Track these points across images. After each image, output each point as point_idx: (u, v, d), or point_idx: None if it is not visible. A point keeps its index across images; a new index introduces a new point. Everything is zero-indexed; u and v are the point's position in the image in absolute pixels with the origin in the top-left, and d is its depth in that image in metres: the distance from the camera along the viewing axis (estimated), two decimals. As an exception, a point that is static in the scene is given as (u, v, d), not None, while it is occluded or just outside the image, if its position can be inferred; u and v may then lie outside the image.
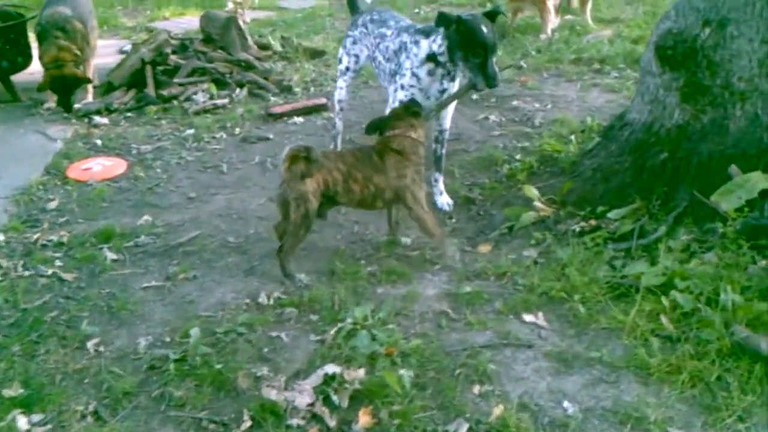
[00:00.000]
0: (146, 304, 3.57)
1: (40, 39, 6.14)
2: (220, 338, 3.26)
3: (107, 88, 6.78)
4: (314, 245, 4.03)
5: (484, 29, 3.86)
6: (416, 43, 4.21)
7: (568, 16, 8.96)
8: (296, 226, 3.57)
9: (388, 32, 4.54)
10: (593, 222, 4.07)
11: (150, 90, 6.49)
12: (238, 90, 6.57)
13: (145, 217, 4.39)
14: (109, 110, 6.27)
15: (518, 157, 5.16)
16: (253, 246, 4.07)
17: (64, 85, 5.99)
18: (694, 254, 3.62)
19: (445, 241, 3.95)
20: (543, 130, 5.61)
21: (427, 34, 4.16)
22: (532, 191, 4.32)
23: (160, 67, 6.72)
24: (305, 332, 3.31)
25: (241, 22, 7.26)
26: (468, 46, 3.89)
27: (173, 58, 6.73)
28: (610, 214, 4.05)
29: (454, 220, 4.42)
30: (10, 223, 4.36)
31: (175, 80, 6.51)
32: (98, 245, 4.08)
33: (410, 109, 3.91)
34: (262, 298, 3.55)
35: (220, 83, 6.62)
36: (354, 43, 4.86)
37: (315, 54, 7.58)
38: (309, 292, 3.54)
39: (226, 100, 6.34)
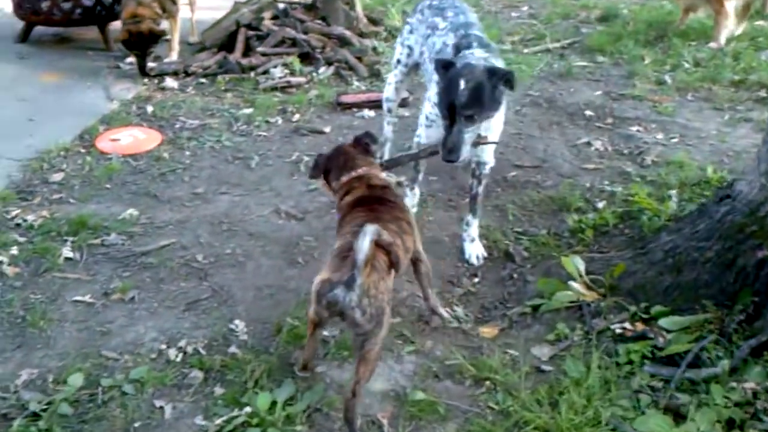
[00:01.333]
0: (62, 325, 3.11)
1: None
2: (97, 395, 2.66)
3: (201, 48, 6.37)
4: (282, 288, 3.31)
5: (461, 86, 2.95)
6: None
7: (761, 22, 7.24)
8: (377, 353, 2.52)
9: (441, 25, 3.68)
10: (640, 326, 3.01)
11: (236, 56, 5.98)
12: (324, 68, 5.88)
13: (131, 211, 3.91)
14: (186, 73, 5.84)
15: (600, 205, 4.04)
16: (216, 272, 3.44)
17: (140, 42, 5.64)
18: (757, 416, 2.48)
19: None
20: (650, 172, 4.40)
21: (461, 48, 3.24)
22: (572, 264, 3.28)
23: (255, 32, 6.16)
24: (195, 410, 2.65)
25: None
26: (441, 100, 3.08)
27: (267, 23, 6.15)
28: (665, 321, 2.99)
29: (477, 279, 3.49)
30: (4, 192, 4.04)
31: (259, 49, 5.96)
32: (63, 237, 3.66)
33: (362, 142, 3.04)
34: (177, 349, 2.90)
35: (308, 58, 5.96)
36: (410, 32, 4.00)
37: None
38: (229, 357, 2.83)
39: (303, 79, 5.69)
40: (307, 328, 2.69)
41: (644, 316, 3.05)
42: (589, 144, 4.84)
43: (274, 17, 6.38)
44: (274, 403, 2.61)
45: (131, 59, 6.01)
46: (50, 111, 5.12)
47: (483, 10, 8.06)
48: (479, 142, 3.26)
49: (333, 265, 2.49)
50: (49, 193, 4.11)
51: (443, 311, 3.17)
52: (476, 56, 3.17)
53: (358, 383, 2.43)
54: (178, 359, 2.86)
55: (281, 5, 6.58)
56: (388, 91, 4.21)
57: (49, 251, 3.52)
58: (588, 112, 5.27)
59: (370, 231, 2.34)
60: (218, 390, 2.72)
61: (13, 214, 3.86)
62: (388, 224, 2.64)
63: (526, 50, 6.56)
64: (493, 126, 3.41)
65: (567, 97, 5.56)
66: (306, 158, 4.53)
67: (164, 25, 5.88)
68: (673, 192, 3.97)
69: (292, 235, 3.73)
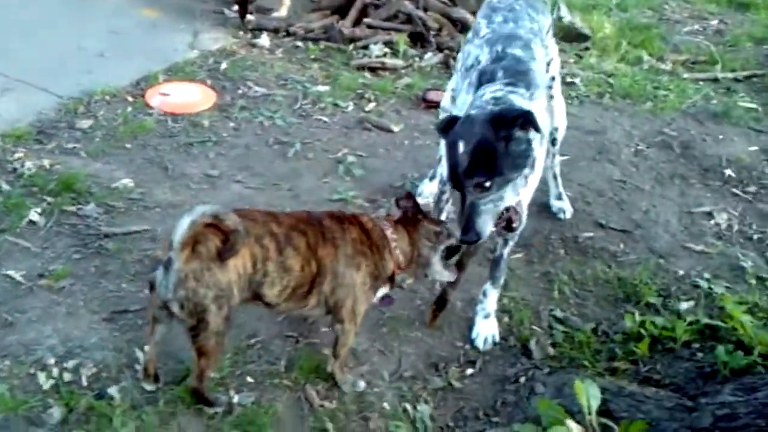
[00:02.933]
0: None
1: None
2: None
3: (316, 8, 5.83)
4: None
5: (460, 149, 2.23)
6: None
7: None
8: (218, 337, 2.19)
9: (482, 32, 2.92)
10: None
11: (345, 23, 5.38)
12: (431, 53, 5.13)
13: (127, 181, 3.48)
14: (287, 32, 5.33)
15: (683, 307, 3.06)
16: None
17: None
18: None
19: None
20: (772, 276, 3.30)
21: (482, 81, 2.45)
22: (584, 393, 2.39)
23: (374, 0, 5.51)
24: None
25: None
26: (446, 170, 2.44)
27: (388, -8, 5.46)
28: None
29: (470, 371, 2.72)
30: (26, 128, 3.76)
31: (366, 20, 5.30)
32: (43, 195, 3.30)
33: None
34: (58, 370, 2.42)
35: (420, 39, 5.23)
36: (476, 34, 3.13)
37: (575, 36, 5.64)
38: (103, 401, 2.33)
39: (401, 62, 4.98)
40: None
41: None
42: (709, 215, 3.76)
43: (401, -14, 5.65)
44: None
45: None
46: (127, 49, 4.81)
47: (663, 16, 6.82)
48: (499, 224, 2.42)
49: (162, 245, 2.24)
50: (67, 140, 3.79)
51: (341, 377, 2.54)
52: (489, 96, 2.33)
53: (202, 372, 2.25)
54: (47, 386, 2.36)
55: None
56: (444, 100, 3.41)
57: (18, 209, 3.17)
58: (728, 172, 4.14)
59: (196, 211, 2.06)
60: (74, 436, 2.19)
61: (17, 156, 3.58)
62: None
63: (686, 75, 5.36)
64: (530, 184, 2.55)
65: (710, 145, 4.42)
66: (352, 158, 3.86)
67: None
68: (784, 315, 2.88)
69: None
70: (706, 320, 2.96)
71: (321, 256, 2.33)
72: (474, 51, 2.79)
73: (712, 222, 3.73)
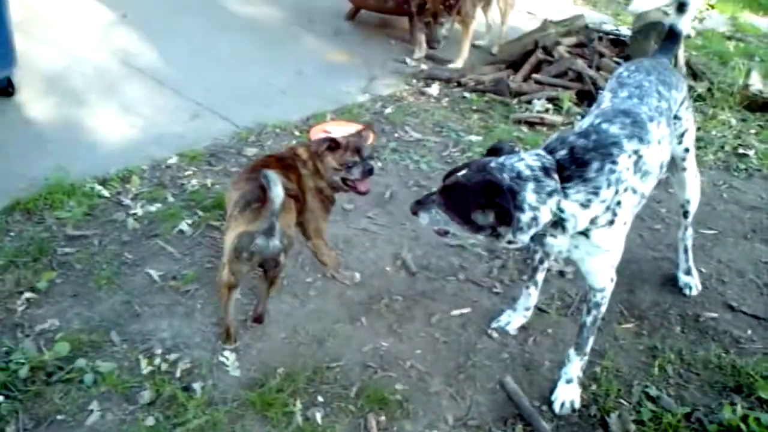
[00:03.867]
0: (112, 289, 3.17)
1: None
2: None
3: (493, 61, 6.03)
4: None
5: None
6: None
7: None
8: (284, 269, 2.86)
9: (604, 104, 2.75)
10: None
11: (515, 78, 5.51)
12: (596, 113, 5.05)
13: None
14: (458, 83, 5.57)
15: (796, 405, 2.77)
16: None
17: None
18: None
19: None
20: None
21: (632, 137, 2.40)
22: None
23: (547, 57, 5.59)
24: None
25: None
26: None
27: (561, 49, 5.50)
28: None
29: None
30: (201, 151, 4.31)
31: (535, 75, 5.37)
32: (197, 209, 3.76)
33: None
34: (162, 360, 2.79)
35: (587, 97, 5.20)
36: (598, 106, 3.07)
37: (759, 104, 5.25)
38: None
39: (561, 119, 4.97)
40: (222, 297, 2.79)
41: None
42: None
43: (579, 44, 5.65)
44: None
45: (418, 57, 5.92)
46: (307, 89, 5.30)
47: None
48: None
49: (245, 217, 2.63)
50: (233, 164, 4.25)
51: (341, 277, 3.25)
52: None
53: (267, 298, 2.92)
54: (146, 371, 2.72)
55: (597, 33, 5.80)
56: None
57: (173, 218, 3.63)
58: None
59: (275, 179, 2.48)
60: (149, 421, 2.53)
61: (187, 173, 4.08)
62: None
63: None
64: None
65: None
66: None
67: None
68: None
69: (383, 288, 3.29)
70: (824, 428, 2.64)
71: (301, 185, 3.00)
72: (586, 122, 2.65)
73: None
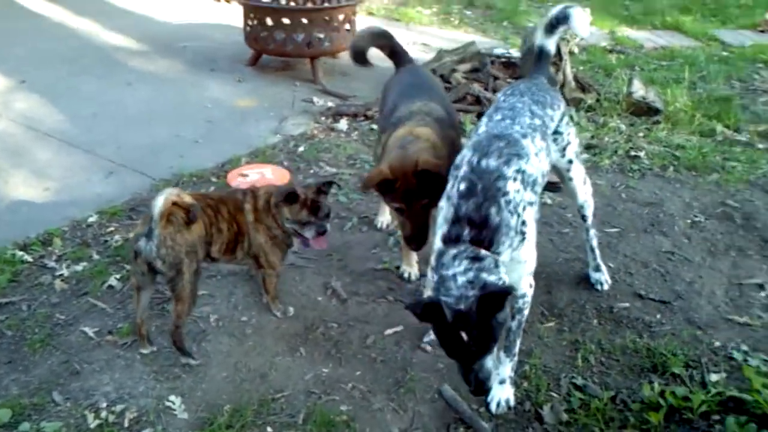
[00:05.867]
0: (52, 353, 3.20)
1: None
2: (7, 438, 2.67)
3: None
4: (258, 376, 3.03)
5: (464, 337, 2.41)
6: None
7: None
8: (191, 286, 2.97)
9: (480, 129, 3.00)
10: None
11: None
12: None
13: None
14: (365, 116, 5.78)
15: (714, 378, 3.05)
16: (214, 339, 3.24)
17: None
18: None
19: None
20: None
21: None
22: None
23: (445, 84, 5.88)
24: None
25: (566, 49, 5.85)
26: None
27: (458, 76, 5.82)
28: None
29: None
30: (121, 206, 4.33)
31: (437, 103, 5.63)
32: (122, 264, 3.76)
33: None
34: (108, 412, 2.81)
35: (487, 118, 5.49)
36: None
37: (644, 110, 5.71)
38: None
39: (464, 140, 5.22)
40: (133, 298, 3.10)
41: None
42: (760, 287, 3.71)
43: (474, 70, 5.99)
44: None
45: (326, 97, 6.12)
46: (219, 136, 5.40)
47: (750, 86, 6.75)
48: None
49: (141, 222, 2.93)
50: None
51: (275, 308, 3.40)
52: (461, 280, 2.44)
53: (179, 317, 2.97)
54: (94, 425, 2.74)
55: (489, 57, 6.16)
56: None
57: (101, 275, 3.65)
58: (791, 236, 4.04)
59: (164, 191, 2.82)
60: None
61: (109, 229, 4.10)
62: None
63: (761, 145, 5.28)
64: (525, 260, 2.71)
65: (776, 216, 4.33)
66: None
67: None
68: (806, 390, 2.80)
69: (317, 317, 3.41)
70: (731, 392, 2.93)
71: (239, 221, 3.17)
72: (464, 151, 2.82)
73: (762, 294, 3.66)
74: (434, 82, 3.96)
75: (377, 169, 3.18)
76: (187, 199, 2.88)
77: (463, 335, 2.36)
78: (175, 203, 2.83)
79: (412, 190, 3.09)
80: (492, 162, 2.63)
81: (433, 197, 3.03)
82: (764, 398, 2.78)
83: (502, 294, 2.38)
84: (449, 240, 2.53)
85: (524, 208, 2.64)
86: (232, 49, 7.40)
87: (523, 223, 2.62)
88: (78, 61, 6.95)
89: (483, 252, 2.49)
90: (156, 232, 2.81)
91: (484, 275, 2.43)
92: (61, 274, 3.66)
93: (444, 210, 2.65)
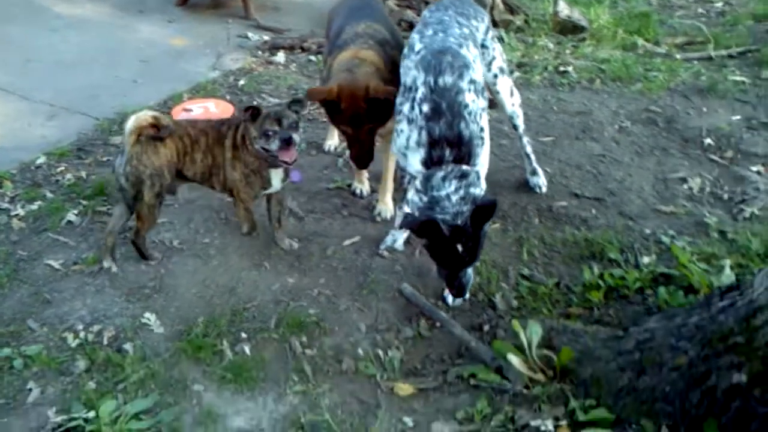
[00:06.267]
0: (20, 286, 3.27)
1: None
2: (-11, 363, 2.76)
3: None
4: (229, 290, 3.17)
5: (459, 249, 2.70)
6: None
7: None
8: (150, 207, 3.13)
9: (417, 46, 3.13)
10: (565, 432, 2.44)
11: (354, 35, 5.83)
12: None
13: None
14: (302, 48, 5.84)
15: (646, 260, 3.35)
16: (179, 260, 3.37)
17: None
18: None
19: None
20: (738, 228, 3.57)
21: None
22: (523, 332, 2.73)
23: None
24: (56, 401, 2.64)
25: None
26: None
27: (390, 3, 5.94)
28: (592, 432, 2.37)
29: (439, 324, 3.05)
30: (68, 147, 4.33)
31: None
32: (79, 199, 3.83)
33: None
34: (84, 333, 2.94)
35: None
36: (411, 49, 3.40)
37: (572, 29, 5.94)
38: (118, 353, 2.80)
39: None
40: None
41: (581, 418, 2.45)
42: (683, 180, 4.02)
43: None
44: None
45: (261, 32, 6.14)
46: (157, 75, 5.38)
47: (667, 3, 7.05)
48: None
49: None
50: (102, 154, 4.31)
51: (285, 242, 3.44)
52: (455, 198, 2.71)
53: (138, 232, 3.22)
54: (74, 344, 2.85)
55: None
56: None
57: (58, 212, 3.69)
58: (708, 141, 4.38)
59: (142, 112, 2.99)
60: (90, 385, 2.67)
61: (59, 170, 4.11)
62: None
63: (679, 56, 5.60)
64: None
65: (693, 118, 4.67)
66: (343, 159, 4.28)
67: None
68: (727, 262, 3.14)
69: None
70: (660, 269, 3.24)
71: (214, 153, 3.18)
72: (412, 71, 2.97)
73: (685, 186, 3.98)
74: (378, 5, 4.06)
75: (324, 87, 3.29)
76: (164, 121, 3.00)
77: (459, 247, 2.57)
78: (152, 124, 2.95)
79: (360, 114, 3.22)
80: (448, 78, 2.82)
81: (380, 120, 3.20)
82: (689, 271, 3.09)
83: (492, 205, 2.59)
84: (432, 162, 2.72)
85: (481, 116, 2.84)
86: (159, -10, 7.26)
87: (482, 129, 2.83)
88: (-1, 10, 6.73)
89: (466, 168, 2.71)
90: (125, 150, 2.96)
91: (473, 190, 2.65)
92: (17, 214, 3.69)
93: (410, 134, 2.83)
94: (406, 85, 2.95)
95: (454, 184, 2.70)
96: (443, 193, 2.69)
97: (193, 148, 3.15)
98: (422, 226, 2.64)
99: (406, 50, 3.20)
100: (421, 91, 2.83)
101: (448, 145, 2.74)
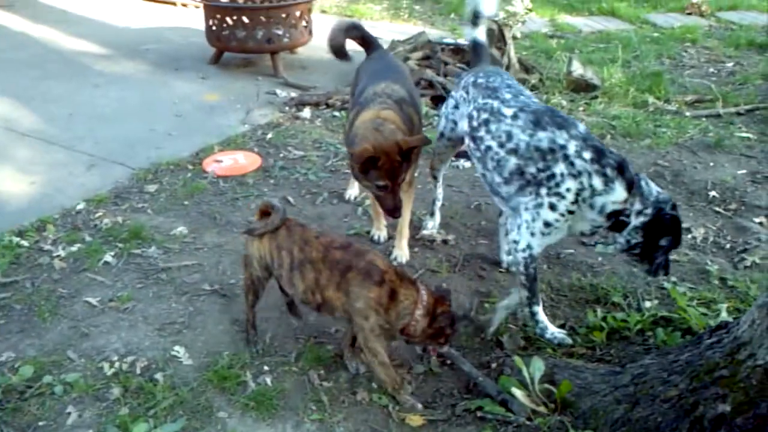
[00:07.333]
0: (61, 320, 3.51)
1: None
2: (31, 388, 2.99)
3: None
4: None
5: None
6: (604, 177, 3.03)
7: None
8: (245, 287, 3.24)
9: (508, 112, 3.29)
10: (565, 460, 2.59)
11: (376, 92, 6.16)
12: (450, 112, 5.80)
13: (182, 228, 4.26)
14: (327, 105, 6.17)
15: (648, 305, 3.53)
16: (207, 299, 3.60)
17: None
18: None
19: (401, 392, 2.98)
20: (739, 276, 3.74)
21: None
22: (526, 367, 2.91)
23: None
24: (93, 424, 2.85)
25: (509, 35, 6.33)
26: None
27: (411, 63, 6.24)
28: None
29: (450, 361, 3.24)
30: (105, 194, 4.64)
31: (393, 88, 6.05)
32: (116, 242, 4.11)
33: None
34: (119, 363, 3.15)
35: (440, 100, 5.94)
36: (455, 107, 3.77)
37: (583, 86, 6.22)
38: (150, 382, 3.04)
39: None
40: None
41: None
42: (687, 231, 4.19)
43: (425, 57, 6.43)
44: (153, 436, 2.70)
45: (288, 89, 6.50)
46: (190, 128, 5.73)
47: (680, 63, 7.33)
48: None
49: None
50: (137, 201, 4.61)
51: (400, 399, 2.99)
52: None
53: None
54: (110, 373, 3.08)
55: (439, 45, 6.61)
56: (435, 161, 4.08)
57: (96, 253, 3.97)
58: (713, 193, 4.57)
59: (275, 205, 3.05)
60: (124, 410, 2.88)
61: (97, 215, 4.41)
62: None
63: (689, 113, 5.83)
64: None
65: (700, 172, 4.87)
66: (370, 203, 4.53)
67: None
68: (723, 306, 3.30)
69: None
70: (662, 313, 3.41)
71: (328, 297, 2.88)
72: (524, 134, 3.16)
73: (689, 236, 4.15)
74: (399, 65, 4.37)
75: (363, 147, 3.49)
76: (274, 213, 3.02)
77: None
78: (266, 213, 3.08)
79: (396, 167, 3.48)
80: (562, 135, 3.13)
81: (406, 171, 3.51)
82: (688, 314, 3.26)
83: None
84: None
85: None
86: (194, 49, 7.72)
87: None
88: (43, 67, 7.19)
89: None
90: (251, 249, 3.12)
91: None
92: (59, 255, 3.97)
93: (589, 185, 3.04)
94: (542, 150, 3.09)
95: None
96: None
97: (292, 272, 2.99)
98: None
99: (492, 120, 3.31)
100: (573, 144, 3.05)
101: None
